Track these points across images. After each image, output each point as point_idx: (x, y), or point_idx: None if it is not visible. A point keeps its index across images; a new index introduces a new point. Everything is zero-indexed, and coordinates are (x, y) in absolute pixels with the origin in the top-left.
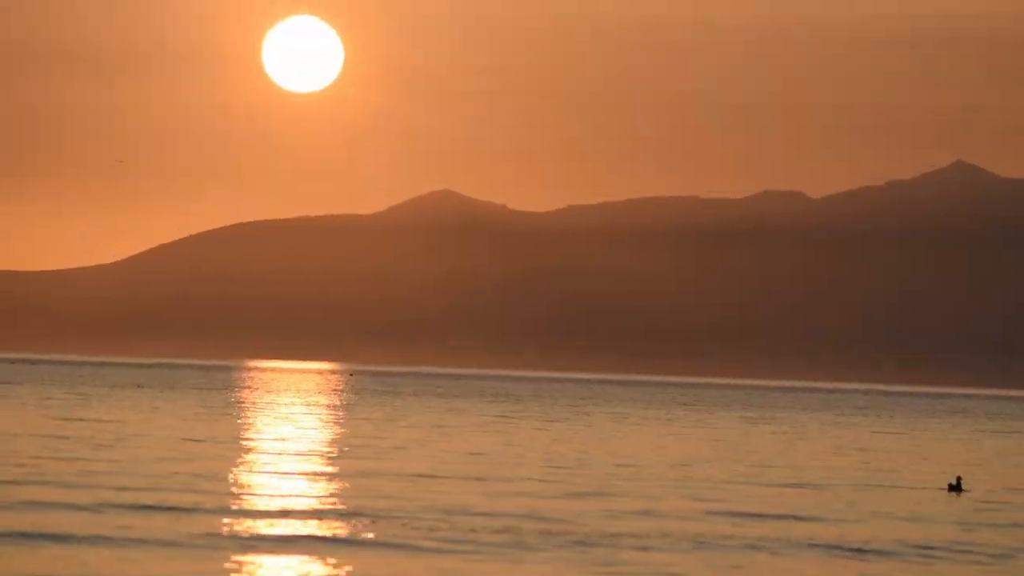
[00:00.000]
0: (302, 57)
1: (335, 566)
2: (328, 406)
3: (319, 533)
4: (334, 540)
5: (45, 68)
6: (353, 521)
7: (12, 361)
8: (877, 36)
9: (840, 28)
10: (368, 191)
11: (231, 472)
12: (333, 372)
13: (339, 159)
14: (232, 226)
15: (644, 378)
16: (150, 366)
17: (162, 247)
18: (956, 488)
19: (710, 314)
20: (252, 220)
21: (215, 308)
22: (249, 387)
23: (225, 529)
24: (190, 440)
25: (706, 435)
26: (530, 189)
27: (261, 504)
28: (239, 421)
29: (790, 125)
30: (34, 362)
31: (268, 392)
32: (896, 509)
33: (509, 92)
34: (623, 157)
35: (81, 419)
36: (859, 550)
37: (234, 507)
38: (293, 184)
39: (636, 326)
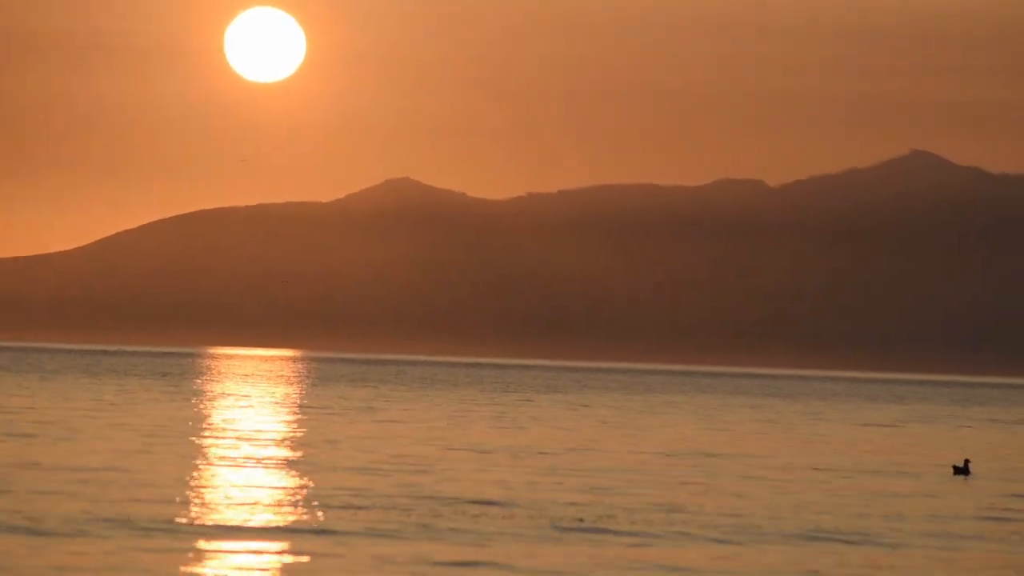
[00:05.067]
0: (264, 48)
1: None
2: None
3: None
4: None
5: (5, 57)
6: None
7: None
8: (835, 26)
9: (797, 17)
10: (328, 179)
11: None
12: (293, 359)
13: (300, 148)
14: (193, 213)
15: (610, 365)
16: (114, 353)
17: (123, 233)
18: (963, 471)
19: (667, 300)
20: (213, 207)
21: (176, 294)
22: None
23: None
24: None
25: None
26: (489, 177)
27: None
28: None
29: (748, 113)
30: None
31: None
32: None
33: (468, 81)
34: (582, 144)
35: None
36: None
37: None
38: (255, 172)
39: (595, 312)
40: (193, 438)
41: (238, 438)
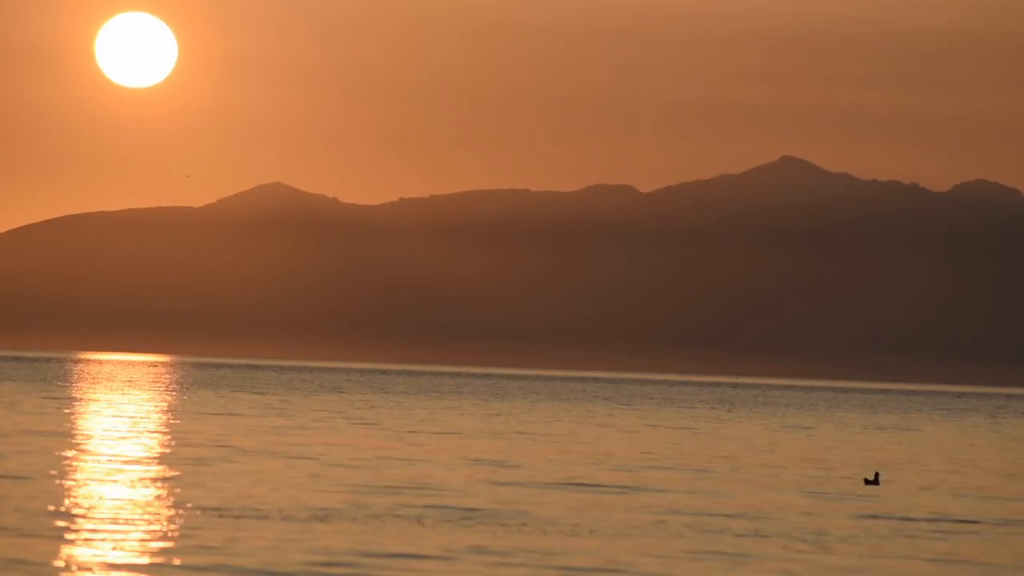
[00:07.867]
0: (135, 52)
1: None
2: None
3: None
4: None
5: None
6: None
7: None
8: (705, 33)
9: (666, 24)
10: (200, 184)
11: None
12: (167, 364)
13: (171, 152)
14: (62, 217)
15: (478, 370)
16: None
17: None
18: (873, 482)
19: (539, 306)
20: (81, 212)
21: (45, 299)
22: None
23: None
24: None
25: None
26: (361, 182)
27: None
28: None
29: (620, 119)
30: None
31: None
32: None
33: (341, 85)
34: (454, 149)
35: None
36: None
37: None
38: (125, 177)
39: (468, 317)
40: (52, 447)
41: (100, 447)
